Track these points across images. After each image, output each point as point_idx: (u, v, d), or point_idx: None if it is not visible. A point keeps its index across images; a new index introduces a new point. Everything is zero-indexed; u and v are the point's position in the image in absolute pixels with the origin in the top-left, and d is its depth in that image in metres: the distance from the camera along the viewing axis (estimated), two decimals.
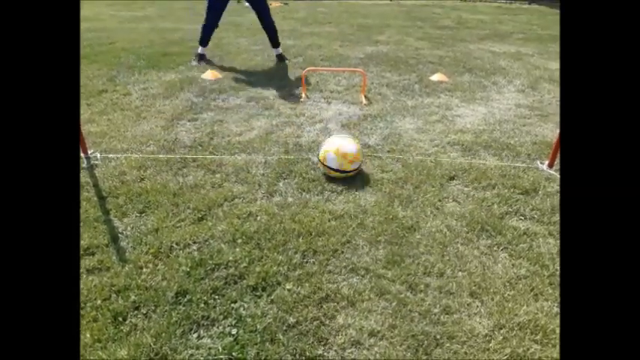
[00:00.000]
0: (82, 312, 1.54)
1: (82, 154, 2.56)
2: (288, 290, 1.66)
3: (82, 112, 3.26)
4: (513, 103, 3.75)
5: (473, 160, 2.71)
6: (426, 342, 1.47)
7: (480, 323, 1.55)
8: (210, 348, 1.43)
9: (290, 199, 2.25)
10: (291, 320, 1.54)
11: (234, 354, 1.41)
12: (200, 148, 2.78)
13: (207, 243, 1.91)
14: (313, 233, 1.97)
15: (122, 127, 3.07)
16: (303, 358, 1.42)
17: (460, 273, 1.79)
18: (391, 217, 2.11)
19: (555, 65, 4.91)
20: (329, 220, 2.07)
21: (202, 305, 1.59)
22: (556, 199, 2.29)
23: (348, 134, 2.59)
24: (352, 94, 3.85)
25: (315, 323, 1.53)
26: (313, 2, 9.60)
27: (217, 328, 1.51)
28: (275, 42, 4.69)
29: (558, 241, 1.98)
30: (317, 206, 2.18)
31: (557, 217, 2.15)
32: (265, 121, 3.22)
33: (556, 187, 2.42)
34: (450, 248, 1.93)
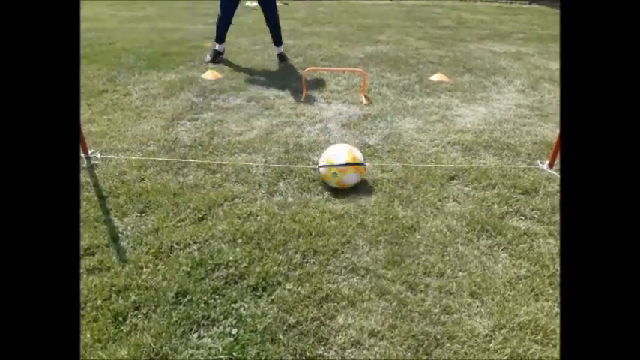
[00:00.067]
0: (82, 312, 1.54)
1: (82, 154, 2.56)
2: (289, 290, 1.66)
3: (82, 112, 3.26)
4: (513, 103, 3.75)
5: (473, 160, 2.71)
6: (426, 342, 1.47)
7: (480, 323, 1.55)
8: (210, 348, 1.44)
9: (290, 199, 2.25)
10: (292, 320, 1.54)
11: (234, 354, 1.41)
12: (200, 147, 2.78)
13: (207, 243, 1.91)
14: (313, 233, 1.97)
15: (122, 127, 3.07)
16: (304, 358, 1.42)
17: (460, 273, 1.79)
18: (391, 217, 2.11)
19: (555, 65, 4.91)
20: (329, 220, 2.07)
21: (202, 305, 1.59)
22: (556, 199, 2.29)
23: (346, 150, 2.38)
24: (352, 94, 3.85)
25: (315, 323, 1.53)
26: (313, 2, 9.59)
27: (217, 327, 1.51)
28: (277, 40, 4.67)
29: (558, 241, 1.98)
30: (317, 206, 2.19)
31: (557, 217, 2.15)
32: (265, 121, 3.22)
33: (556, 187, 2.42)
34: (450, 248, 1.93)
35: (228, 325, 1.52)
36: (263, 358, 1.41)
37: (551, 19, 8.33)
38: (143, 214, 2.10)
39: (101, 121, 3.14)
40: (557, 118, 3.36)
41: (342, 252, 1.88)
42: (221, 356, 1.41)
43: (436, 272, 1.78)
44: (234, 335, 1.48)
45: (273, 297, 1.64)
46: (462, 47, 5.72)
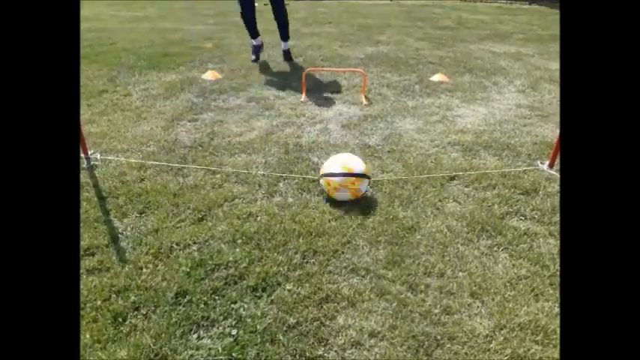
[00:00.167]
0: (81, 312, 1.54)
1: (82, 155, 2.56)
2: (289, 291, 1.66)
3: (82, 112, 3.26)
4: (514, 104, 3.75)
5: (473, 161, 2.70)
6: (426, 343, 1.47)
7: (480, 324, 1.55)
8: (210, 348, 1.43)
9: (290, 200, 2.25)
10: (292, 321, 1.54)
11: (234, 354, 1.41)
12: (200, 148, 2.78)
13: (207, 243, 1.91)
14: (313, 233, 1.97)
15: (122, 127, 3.07)
16: (304, 358, 1.41)
17: (460, 273, 1.78)
18: (391, 217, 2.11)
19: (556, 65, 4.91)
20: (329, 221, 2.07)
21: (202, 306, 1.59)
22: (556, 200, 2.29)
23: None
24: (352, 95, 3.85)
25: (315, 324, 1.53)
26: (313, 2, 9.60)
27: (217, 328, 1.51)
28: (285, 35, 4.66)
29: (559, 242, 1.98)
30: (317, 206, 2.18)
31: (557, 218, 2.14)
32: (265, 122, 3.22)
33: (556, 187, 2.41)
34: (450, 248, 1.92)
35: (228, 326, 1.52)
36: (263, 358, 1.41)
37: (551, 19, 8.33)
38: (143, 215, 2.10)
39: (101, 122, 3.14)
40: (558, 119, 3.36)
41: (342, 252, 1.88)
42: (221, 357, 1.41)
43: (436, 273, 1.77)
44: (233, 336, 1.48)
45: (273, 297, 1.63)
46: (462, 47, 5.72)
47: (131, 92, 3.76)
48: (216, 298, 1.63)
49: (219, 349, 1.43)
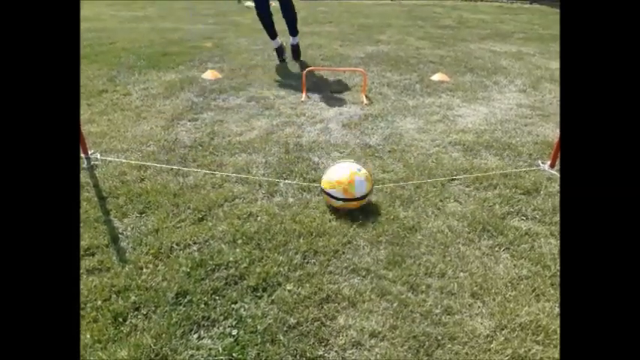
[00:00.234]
0: (82, 312, 1.54)
1: (82, 155, 2.55)
2: (289, 291, 1.66)
3: (82, 112, 3.26)
4: (515, 103, 3.74)
5: (474, 160, 2.70)
6: (427, 343, 1.47)
7: (481, 324, 1.55)
8: (210, 349, 1.43)
9: (291, 200, 2.25)
10: (292, 321, 1.53)
11: (234, 355, 1.41)
12: (200, 148, 2.78)
13: (207, 243, 1.91)
14: (314, 234, 1.97)
15: (122, 127, 3.06)
16: (304, 359, 1.41)
17: (461, 273, 1.78)
18: (392, 217, 2.11)
19: (556, 65, 4.90)
20: (330, 221, 2.06)
21: (203, 306, 1.58)
22: (557, 199, 2.28)
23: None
24: (353, 94, 3.84)
25: (315, 324, 1.53)
26: (314, 2, 9.59)
27: (218, 328, 1.51)
28: (293, 29, 4.63)
29: (560, 242, 1.98)
30: (318, 206, 2.18)
31: (558, 218, 2.14)
32: (266, 121, 3.22)
33: (557, 187, 2.41)
34: (451, 249, 1.92)
35: (229, 326, 1.51)
36: (263, 359, 1.41)
37: (551, 18, 8.31)
38: (143, 215, 2.09)
39: (101, 122, 3.14)
40: (558, 118, 3.35)
41: (343, 252, 1.87)
42: (221, 357, 1.40)
43: (437, 273, 1.77)
44: (234, 336, 1.47)
45: (273, 298, 1.63)
46: (462, 47, 5.71)
47: (131, 92, 3.75)
48: (217, 298, 1.62)
49: (220, 349, 1.43)
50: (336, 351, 1.44)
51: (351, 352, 1.44)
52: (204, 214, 2.10)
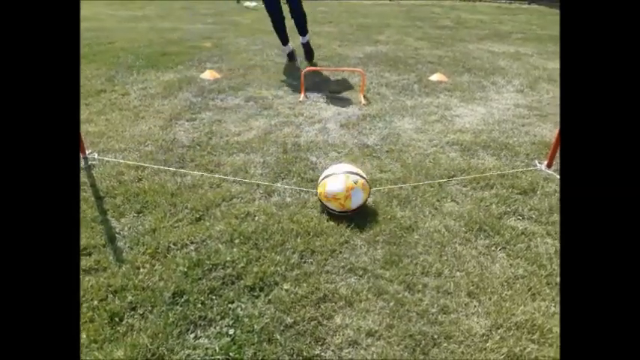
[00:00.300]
0: None
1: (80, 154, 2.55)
2: (286, 290, 1.66)
3: (80, 111, 3.25)
4: (512, 103, 3.75)
5: (472, 160, 2.70)
6: (423, 342, 1.47)
7: (477, 323, 1.55)
8: (207, 348, 1.43)
9: (288, 199, 2.25)
10: (289, 320, 1.54)
11: (231, 354, 1.41)
12: (198, 148, 2.78)
13: (204, 243, 1.91)
14: (311, 233, 1.97)
15: (120, 127, 3.06)
16: (301, 358, 1.41)
17: (458, 273, 1.78)
18: (389, 217, 2.11)
19: (554, 65, 4.91)
20: (327, 220, 2.07)
21: (199, 305, 1.59)
22: (554, 199, 2.29)
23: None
24: (351, 94, 3.84)
25: (312, 323, 1.53)
26: (313, 2, 9.59)
27: (214, 328, 1.51)
28: (303, 29, 4.55)
29: (556, 241, 1.98)
30: (315, 206, 2.18)
31: (555, 217, 2.14)
32: (264, 121, 3.22)
33: (554, 187, 2.41)
34: (448, 248, 1.92)
35: (225, 326, 1.52)
36: (260, 358, 1.41)
37: (550, 19, 8.32)
38: (140, 215, 2.10)
39: (99, 121, 3.14)
40: (556, 118, 3.36)
41: (340, 252, 1.88)
42: (218, 356, 1.41)
43: (434, 272, 1.78)
44: (231, 335, 1.48)
45: (270, 297, 1.63)
46: (461, 47, 5.72)
47: (129, 91, 3.75)
48: (214, 297, 1.63)
49: (217, 348, 1.43)
50: (332, 350, 1.44)
51: (347, 351, 1.44)
52: (202, 214, 2.10)
